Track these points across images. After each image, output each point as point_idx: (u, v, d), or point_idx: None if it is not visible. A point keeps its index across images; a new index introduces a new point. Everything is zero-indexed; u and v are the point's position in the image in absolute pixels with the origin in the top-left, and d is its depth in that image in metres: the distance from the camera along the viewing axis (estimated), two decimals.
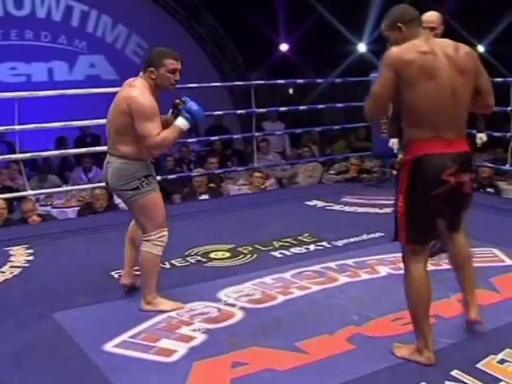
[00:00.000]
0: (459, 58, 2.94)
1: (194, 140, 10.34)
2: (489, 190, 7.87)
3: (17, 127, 5.89)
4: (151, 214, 3.70)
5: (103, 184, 7.30)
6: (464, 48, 3.00)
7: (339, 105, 7.94)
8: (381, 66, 2.95)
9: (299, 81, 7.58)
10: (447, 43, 3.00)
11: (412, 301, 3.02)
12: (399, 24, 2.99)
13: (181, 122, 3.60)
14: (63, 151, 6.90)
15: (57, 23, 11.99)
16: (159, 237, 3.73)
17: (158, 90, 3.67)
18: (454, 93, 2.88)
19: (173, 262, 4.68)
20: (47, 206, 7.93)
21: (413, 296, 3.00)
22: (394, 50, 2.90)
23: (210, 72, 13.15)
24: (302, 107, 7.23)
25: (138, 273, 4.03)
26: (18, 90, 6.24)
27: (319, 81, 7.03)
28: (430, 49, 2.90)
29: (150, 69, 3.63)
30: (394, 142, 5.05)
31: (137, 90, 3.59)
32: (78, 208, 7.46)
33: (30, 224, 6.43)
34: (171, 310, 3.77)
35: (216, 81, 12.15)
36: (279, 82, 7.57)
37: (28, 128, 5.94)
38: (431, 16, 4.97)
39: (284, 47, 13.53)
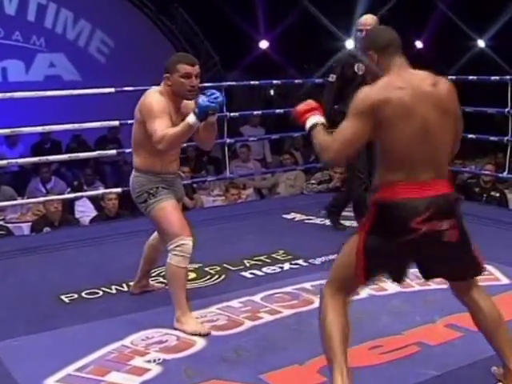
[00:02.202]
0: (439, 93, 2.81)
1: None
2: (493, 193, 7.88)
3: None
4: (163, 224, 3.88)
5: (60, 196, 7.40)
6: (444, 83, 2.87)
7: None
8: (352, 109, 2.79)
9: (275, 82, 7.49)
10: (424, 76, 2.86)
11: (327, 345, 2.93)
12: (370, 52, 2.92)
13: (189, 117, 3.61)
14: (11, 160, 6.75)
15: (11, 17, 11.92)
16: (176, 246, 3.81)
17: (178, 99, 3.84)
18: (430, 130, 2.75)
19: (132, 283, 4.57)
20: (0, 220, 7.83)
21: (327, 339, 2.93)
22: (367, 91, 2.79)
23: None
24: (278, 110, 7.15)
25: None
26: None
27: (297, 81, 6.96)
28: (405, 84, 2.78)
29: (165, 75, 3.82)
30: None
31: (147, 95, 3.85)
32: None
33: None
34: (191, 334, 3.74)
35: None
36: (252, 82, 7.46)
37: None
38: (367, 19, 5.23)
39: (264, 44, 13.56)
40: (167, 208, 3.88)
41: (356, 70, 5.40)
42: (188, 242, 3.84)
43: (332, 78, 5.58)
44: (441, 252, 2.84)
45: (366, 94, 2.77)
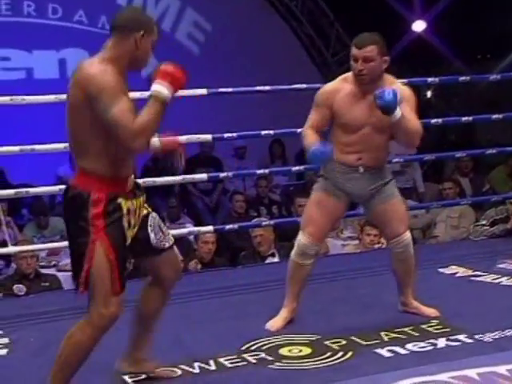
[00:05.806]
0: None
1: (278, 169, 10.36)
2: None
3: None
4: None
5: None
6: None
7: (495, 116, 7.70)
8: None
9: (430, 79, 7.35)
10: None
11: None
12: None
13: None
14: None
15: None
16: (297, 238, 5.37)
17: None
18: None
19: (221, 360, 4.65)
20: (50, 267, 8.03)
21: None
22: None
23: (303, 64, 13.17)
24: (435, 120, 7.05)
25: None
26: (14, 92, 6.38)
27: (463, 78, 6.84)
28: None
29: None
30: None
31: None
32: None
33: (15, 296, 6.54)
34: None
35: (313, 77, 12.15)
36: (402, 81, 7.37)
37: (10, 151, 6.01)
38: None
39: (419, 26, 13.55)
40: (310, 199, 5.25)
41: None
42: (301, 238, 5.21)
43: None
44: None
45: None
